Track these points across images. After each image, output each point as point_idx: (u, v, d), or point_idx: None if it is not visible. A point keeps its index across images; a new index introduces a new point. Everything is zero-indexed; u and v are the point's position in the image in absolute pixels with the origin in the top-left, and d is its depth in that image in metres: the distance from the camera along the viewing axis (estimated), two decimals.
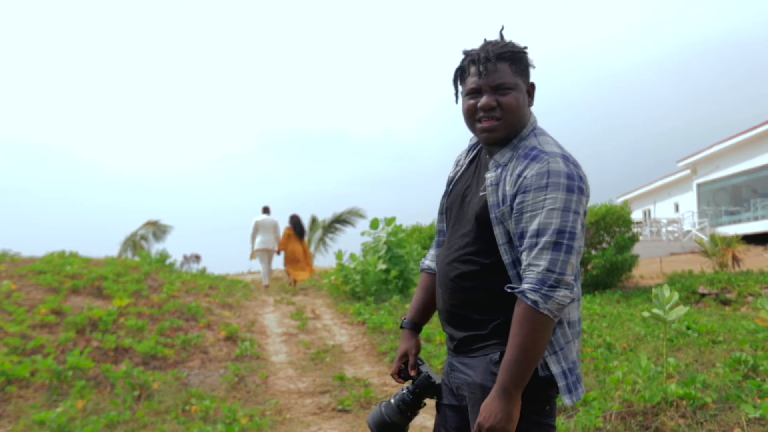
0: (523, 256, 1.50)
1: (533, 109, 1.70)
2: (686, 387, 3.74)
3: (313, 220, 23.69)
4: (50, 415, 4.32)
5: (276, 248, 11.50)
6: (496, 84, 1.58)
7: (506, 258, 1.56)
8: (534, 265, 1.47)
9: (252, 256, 11.59)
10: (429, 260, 1.95)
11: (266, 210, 11.74)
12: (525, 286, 1.47)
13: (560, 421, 3.77)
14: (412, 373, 1.82)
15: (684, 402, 3.61)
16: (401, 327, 1.92)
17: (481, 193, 1.64)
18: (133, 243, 23.50)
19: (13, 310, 6.59)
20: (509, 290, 1.52)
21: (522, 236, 1.51)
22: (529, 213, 1.49)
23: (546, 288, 1.45)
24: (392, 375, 1.88)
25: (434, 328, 6.67)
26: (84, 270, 8.62)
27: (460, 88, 1.69)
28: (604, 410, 3.73)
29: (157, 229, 24.28)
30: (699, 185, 24.61)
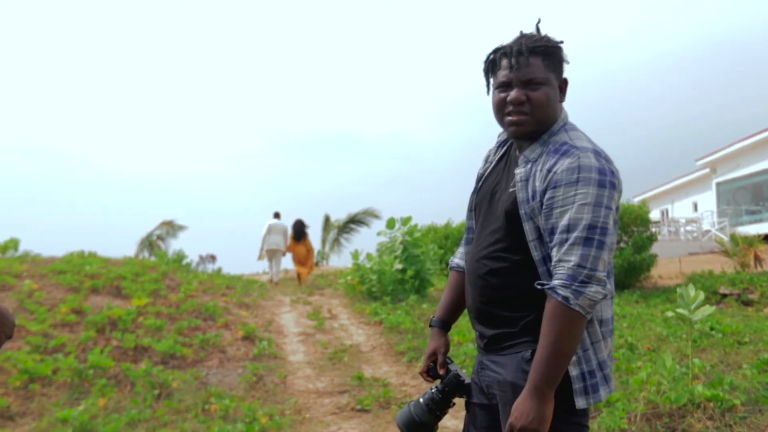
0: (554, 252, 1.47)
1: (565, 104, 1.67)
2: (713, 388, 3.67)
3: (327, 220, 23.76)
4: (73, 413, 4.34)
5: (284, 249, 12.66)
6: (527, 78, 1.55)
7: (536, 254, 1.54)
8: (564, 260, 1.44)
9: (260, 257, 12.70)
10: (458, 258, 1.91)
11: (277, 215, 12.83)
12: (555, 282, 1.44)
13: None
14: (441, 371, 1.79)
15: (711, 404, 3.55)
16: (430, 325, 1.90)
17: (510, 189, 1.61)
18: (150, 243, 23.74)
19: (34, 309, 6.65)
20: (539, 287, 1.49)
21: (552, 232, 1.48)
22: (560, 208, 1.46)
23: (577, 284, 1.41)
24: (421, 374, 1.86)
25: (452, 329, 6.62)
26: (103, 270, 8.70)
27: (491, 80, 1.66)
28: (628, 411, 3.67)
29: (172, 229, 24.53)
30: (718, 184, 24.28)
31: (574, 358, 1.50)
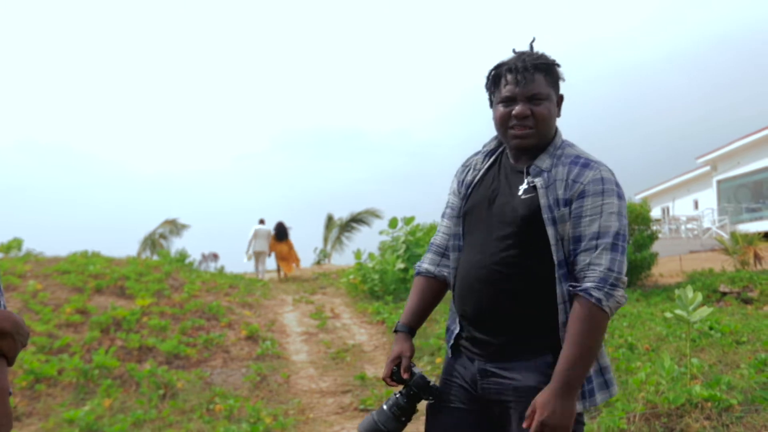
0: (581, 257, 1.55)
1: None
2: (711, 388, 3.71)
3: (330, 219, 23.78)
4: (79, 414, 4.41)
5: (268, 251, 14.03)
6: (531, 94, 1.63)
7: (558, 256, 1.59)
8: (595, 264, 1.52)
9: (248, 258, 14.07)
10: (427, 264, 1.90)
11: (262, 221, 14.25)
12: (587, 284, 1.52)
13: None
14: (405, 376, 1.74)
15: (709, 404, 3.60)
16: (395, 331, 1.87)
17: (524, 196, 1.64)
18: (152, 242, 23.77)
19: (39, 310, 6.71)
20: (571, 289, 1.55)
21: (579, 239, 1.56)
22: (589, 217, 1.56)
23: (608, 286, 1.50)
24: (384, 379, 1.82)
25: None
26: (107, 270, 8.76)
27: (494, 95, 1.72)
28: (627, 411, 3.72)
29: (175, 228, 24.57)
30: (719, 182, 24.30)
31: None
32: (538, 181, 1.63)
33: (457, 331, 1.79)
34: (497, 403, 1.67)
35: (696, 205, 26.23)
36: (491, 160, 1.81)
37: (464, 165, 1.87)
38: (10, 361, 1.25)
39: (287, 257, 13.93)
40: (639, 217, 12.45)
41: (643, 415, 3.69)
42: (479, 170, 1.81)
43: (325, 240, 23.22)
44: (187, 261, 12.17)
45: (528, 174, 1.67)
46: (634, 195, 27.15)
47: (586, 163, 1.61)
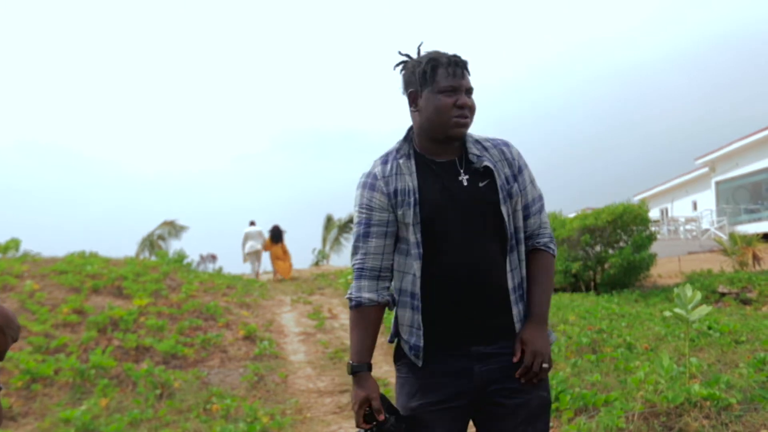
0: (533, 220, 1.79)
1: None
2: (710, 387, 3.70)
3: (329, 219, 23.78)
4: (75, 413, 4.38)
5: (261, 249, 14.73)
6: (468, 86, 1.74)
7: (510, 228, 1.73)
8: (544, 223, 1.82)
9: (245, 259, 14.82)
10: (367, 293, 1.74)
11: (252, 223, 15.09)
12: (545, 239, 1.81)
13: (582, 420, 3.76)
14: (381, 418, 1.64)
15: (708, 403, 3.58)
16: (353, 372, 1.71)
17: (480, 184, 1.72)
18: (150, 243, 23.76)
19: (36, 310, 6.69)
20: (537, 244, 1.79)
21: (528, 206, 1.79)
22: (529, 185, 1.80)
23: (553, 239, 1.84)
24: (359, 427, 1.69)
25: None
26: (104, 270, 8.73)
27: (428, 86, 1.71)
28: (626, 410, 3.70)
29: (173, 229, 24.55)
30: (718, 183, 24.31)
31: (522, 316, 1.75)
32: (487, 165, 1.74)
33: (422, 343, 1.69)
34: (492, 381, 1.67)
35: (695, 206, 26.24)
36: (413, 161, 1.76)
37: (383, 176, 1.75)
38: (0, 356, 1.23)
39: (283, 258, 14.21)
40: (637, 217, 12.43)
41: (642, 414, 3.67)
42: (412, 173, 1.73)
43: (324, 241, 23.21)
44: (185, 262, 12.14)
45: (463, 164, 1.75)
46: (633, 196, 27.17)
47: (506, 143, 1.84)
